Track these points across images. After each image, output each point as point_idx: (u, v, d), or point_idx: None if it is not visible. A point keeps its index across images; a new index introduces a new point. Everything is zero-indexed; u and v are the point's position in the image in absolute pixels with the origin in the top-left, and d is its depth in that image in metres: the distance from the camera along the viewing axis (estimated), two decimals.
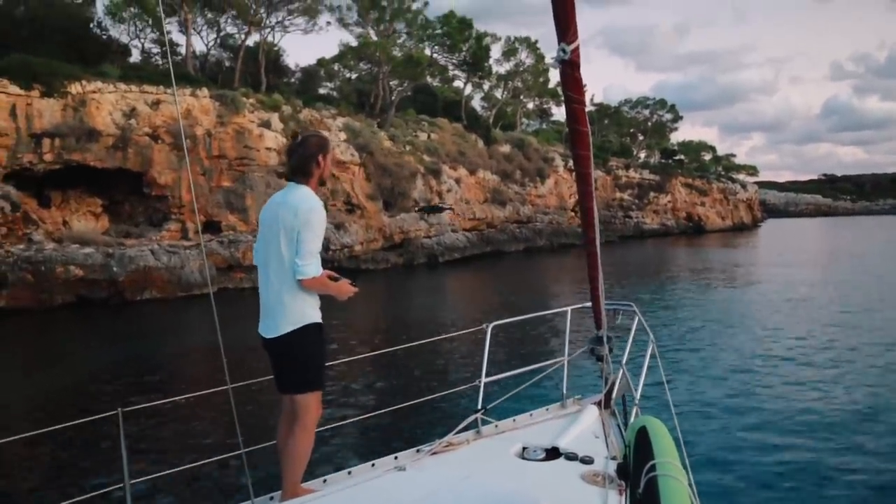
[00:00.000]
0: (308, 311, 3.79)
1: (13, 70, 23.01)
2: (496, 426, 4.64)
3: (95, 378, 12.89)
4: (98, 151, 24.74)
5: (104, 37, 34.33)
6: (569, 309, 5.62)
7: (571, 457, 4.06)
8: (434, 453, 4.19)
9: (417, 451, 4.22)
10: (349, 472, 3.96)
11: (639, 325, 5.17)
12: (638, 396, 4.80)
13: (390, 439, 8.10)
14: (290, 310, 3.76)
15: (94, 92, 25.03)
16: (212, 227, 27.95)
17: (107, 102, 25.39)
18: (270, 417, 9.87)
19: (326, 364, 3.96)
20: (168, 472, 3.45)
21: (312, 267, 3.69)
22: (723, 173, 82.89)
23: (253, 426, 9.03)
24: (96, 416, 3.89)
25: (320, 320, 3.87)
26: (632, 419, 4.60)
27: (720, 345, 15.01)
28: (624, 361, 5.01)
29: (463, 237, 39.09)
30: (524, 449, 4.24)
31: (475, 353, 13.14)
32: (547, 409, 5.05)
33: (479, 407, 4.59)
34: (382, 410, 5.59)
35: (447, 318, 19.81)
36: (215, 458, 4.58)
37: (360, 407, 10.35)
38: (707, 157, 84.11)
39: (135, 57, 37.31)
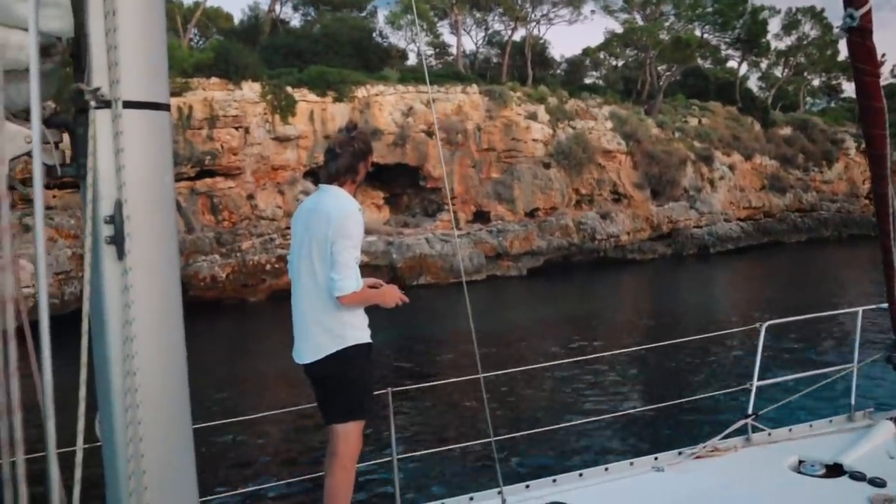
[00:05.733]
0: (349, 332, 3.32)
1: (311, 80, 25.88)
2: (769, 434, 4.33)
3: (376, 355, 14.07)
4: (380, 148, 26.89)
5: (385, 44, 37.13)
6: (860, 309, 5.06)
7: (858, 476, 3.68)
8: (697, 457, 4.02)
9: (679, 453, 4.08)
10: (606, 469, 3.93)
11: None
12: None
13: (650, 439, 7.89)
14: (328, 331, 3.28)
15: (376, 95, 27.27)
16: (481, 216, 29.12)
17: (387, 104, 27.52)
18: (519, 408, 10.13)
19: (376, 391, 3.48)
20: (430, 451, 3.67)
21: (351, 281, 3.20)
22: None
23: (503, 416, 9.31)
24: None
25: (367, 339, 3.41)
26: None
27: None
28: None
29: (737, 227, 36.72)
30: (800, 462, 3.92)
31: (747, 354, 12.31)
32: (830, 421, 4.60)
33: (750, 412, 4.31)
34: (644, 408, 5.48)
35: (717, 314, 18.79)
36: (470, 444, 4.78)
37: (621, 402, 10.20)
38: None
39: (411, 60, 39.99)
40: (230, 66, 23.84)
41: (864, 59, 2.91)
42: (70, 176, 1.41)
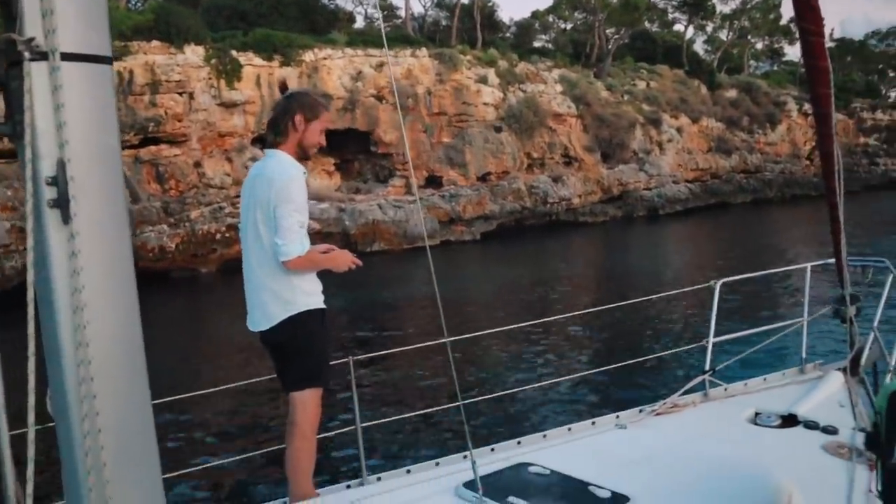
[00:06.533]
0: (299, 298, 3.27)
1: (257, 44, 25.20)
2: (725, 389, 4.41)
3: (331, 325, 13.99)
4: (330, 114, 26.45)
5: (331, 6, 36.39)
6: (808, 265, 5.15)
7: (811, 425, 3.77)
8: (658, 414, 4.08)
9: (640, 410, 4.12)
10: (569, 429, 3.96)
11: (893, 284, 4.65)
12: (893, 363, 4.33)
13: (611, 399, 8.00)
14: (279, 297, 3.25)
15: (324, 59, 26.75)
16: (433, 181, 28.99)
17: (336, 67, 27.03)
18: (479, 373, 10.18)
19: (332, 360, 3.47)
20: (394, 418, 3.67)
21: (295, 245, 3.16)
22: None
23: (470, 379, 9.34)
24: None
25: (320, 305, 3.35)
26: None
27: None
28: (875, 324, 4.52)
29: (685, 188, 37.32)
30: (757, 414, 4.01)
31: (702, 312, 12.54)
32: (783, 374, 4.71)
33: (707, 368, 4.38)
34: (603, 368, 5.53)
35: (670, 274, 19.14)
36: (435, 409, 4.79)
37: (580, 364, 10.33)
38: None
39: (359, 23, 39.30)
40: (171, 29, 23.02)
41: (809, 19, 2.91)
42: (5, 134, 1.30)
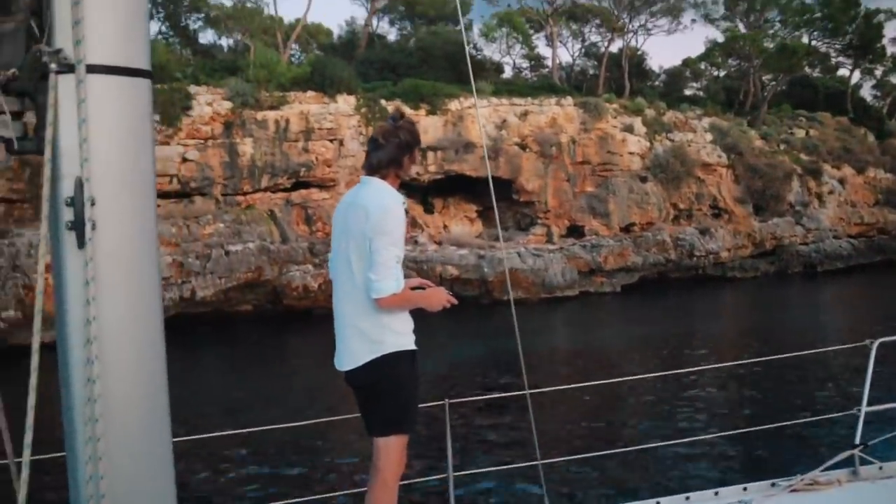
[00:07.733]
0: (388, 338, 3.05)
1: (405, 93, 26.15)
2: (880, 468, 3.84)
3: (455, 368, 13.86)
4: (473, 161, 26.81)
5: (479, 56, 37.14)
6: None
7: None
8: (793, 490, 3.60)
9: (772, 484, 3.66)
10: (687, 498, 3.57)
11: None
12: None
13: (740, 466, 7.28)
14: (366, 336, 3.05)
15: (469, 108, 27.20)
16: (575, 231, 28.58)
17: (481, 116, 27.41)
18: (599, 427, 9.61)
19: (420, 404, 3.20)
20: (488, 469, 3.46)
21: (390, 282, 2.94)
22: None
23: (582, 434, 8.84)
24: (425, 405, 3.94)
25: (411, 346, 3.11)
26: None
27: None
28: None
29: (847, 244, 34.67)
30: None
31: (854, 376, 11.34)
32: None
33: (858, 441, 3.84)
34: (733, 431, 5.02)
35: (825, 334, 17.68)
36: (512, 467, 4.49)
37: (708, 424, 9.59)
38: None
39: (507, 73, 39.81)
40: (326, 80, 24.35)
41: None
42: (30, 151, 1.25)
